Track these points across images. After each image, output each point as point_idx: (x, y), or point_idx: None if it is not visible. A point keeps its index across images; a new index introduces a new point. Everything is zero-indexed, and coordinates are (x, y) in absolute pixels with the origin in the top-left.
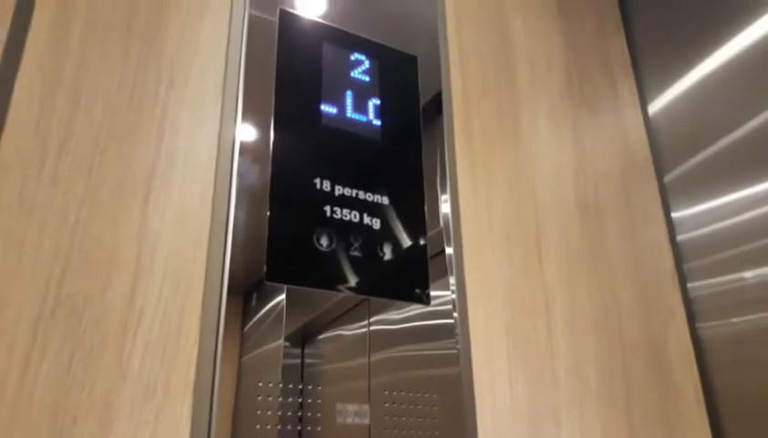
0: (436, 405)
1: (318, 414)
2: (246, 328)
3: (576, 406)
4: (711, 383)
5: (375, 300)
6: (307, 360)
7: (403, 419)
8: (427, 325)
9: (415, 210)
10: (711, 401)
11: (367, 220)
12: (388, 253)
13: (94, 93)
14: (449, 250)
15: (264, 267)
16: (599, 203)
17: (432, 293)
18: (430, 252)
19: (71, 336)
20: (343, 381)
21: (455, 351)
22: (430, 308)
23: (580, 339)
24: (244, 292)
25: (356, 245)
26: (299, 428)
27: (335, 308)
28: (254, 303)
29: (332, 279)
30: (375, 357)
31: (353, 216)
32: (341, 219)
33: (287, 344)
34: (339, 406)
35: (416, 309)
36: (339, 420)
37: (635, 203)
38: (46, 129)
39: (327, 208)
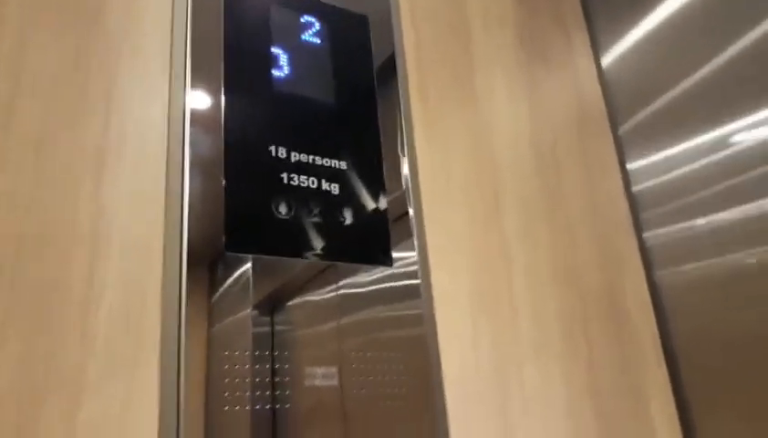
0: (403, 363)
1: (287, 379)
2: (214, 299)
3: (538, 356)
4: (668, 329)
5: (343, 264)
6: (277, 328)
7: (371, 378)
8: (394, 286)
9: (374, 173)
10: (668, 346)
11: (325, 186)
12: (348, 217)
13: (35, 69)
14: (411, 211)
15: (224, 238)
16: (556, 156)
17: (399, 255)
18: (394, 214)
19: (32, 318)
20: (313, 346)
21: (420, 311)
22: (397, 270)
23: (540, 291)
24: (209, 263)
25: (315, 211)
26: (270, 393)
27: (302, 275)
28: (219, 273)
29: (293, 247)
30: (344, 320)
31: (311, 182)
32: (299, 186)
33: (256, 313)
34: (308, 370)
35: (383, 272)
36: (308, 383)
37: (591, 155)
38: None
39: (285, 175)
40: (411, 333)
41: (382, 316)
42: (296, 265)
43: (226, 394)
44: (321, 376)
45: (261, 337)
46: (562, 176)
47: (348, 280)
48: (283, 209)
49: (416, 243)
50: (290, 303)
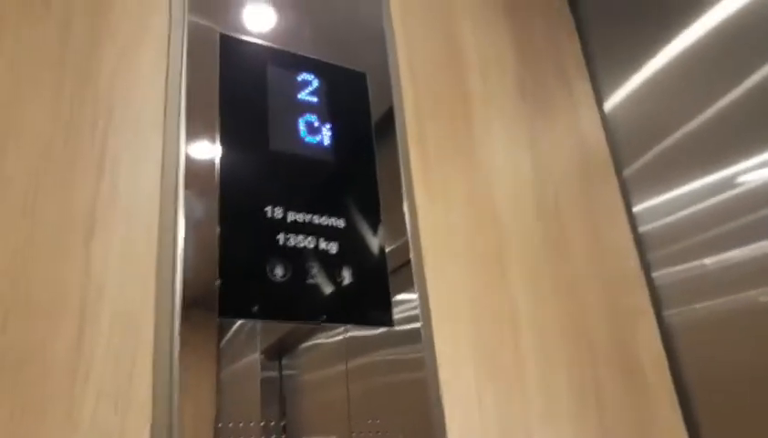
0: (407, 428)
1: None
2: (222, 344)
3: (547, 418)
4: (681, 371)
5: None
6: (285, 372)
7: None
8: (401, 330)
9: (372, 230)
10: (681, 389)
11: (323, 245)
12: (347, 277)
13: (26, 131)
14: (413, 265)
15: (217, 303)
16: (560, 207)
17: (407, 297)
18: (399, 261)
19: (16, 390)
20: (320, 396)
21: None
22: (404, 314)
23: (548, 349)
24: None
25: (312, 271)
26: None
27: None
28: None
29: (290, 310)
30: (351, 364)
31: (308, 242)
32: (295, 246)
33: (263, 358)
34: None
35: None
36: None
37: (596, 203)
38: None
39: (281, 236)
40: (415, 376)
41: (389, 358)
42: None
43: None
44: None
45: (269, 381)
46: (566, 227)
47: (355, 332)
48: (279, 271)
49: (418, 298)
50: (299, 347)
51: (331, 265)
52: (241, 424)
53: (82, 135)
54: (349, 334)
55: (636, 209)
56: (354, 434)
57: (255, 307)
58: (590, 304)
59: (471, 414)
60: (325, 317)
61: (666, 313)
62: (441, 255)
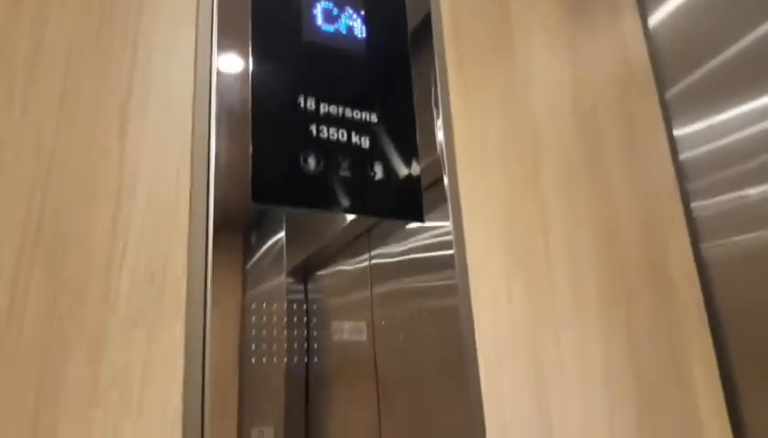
0: (436, 325)
1: (315, 333)
2: (248, 266)
3: (575, 320)
4: (714, 301)
5: (375, 233)
6: (311, 295)
7: (402, 339)
8: (427, 256)
9: (406, 127)
10: (714, 319)
11: (355, 139)
12: (379, 172)
13: (61, 19)
14: (445, 174)
15: (250, 189)
16: (598, 118)
17: (432, 224)
18: (428, 179)
19: (55, 272)
20: (346, 312)
21: (453, 281)
22: (430, 240)
23: (579, 254)
24: (244, 230)
25: (345, 164)
26: (304, 347)
27: (335, 243)
28: (253, 241)
29: (322, 200)
30: (376, 289)
31: (340, 135)
32: (328, 138)
33: (290, 280)
34: (336, 324)
35: (415, 242)
36: (337, 337)
37: (635, 118)
38: (12, 58)
39: (313, 127)
40: (444, 302)
41: (415, 285)
42: (329, 233)
43: (254, 347)
44: (351, 331)
45: (295, 303)
46: (604, 139)
47: (381, 250)
48: (311, 162)
49: (450, 207)
50: (323, 271)
51: (363, 159)
52: (271, 306)
53: (115, 25)
54: (374, 261)
55: (677, 132)
56: (378, 330)
57: (287, 196)
58: (623, 216)
59: (500, 316)
60: (354, 207)
61: (703, 245)
62: (476, 164)
